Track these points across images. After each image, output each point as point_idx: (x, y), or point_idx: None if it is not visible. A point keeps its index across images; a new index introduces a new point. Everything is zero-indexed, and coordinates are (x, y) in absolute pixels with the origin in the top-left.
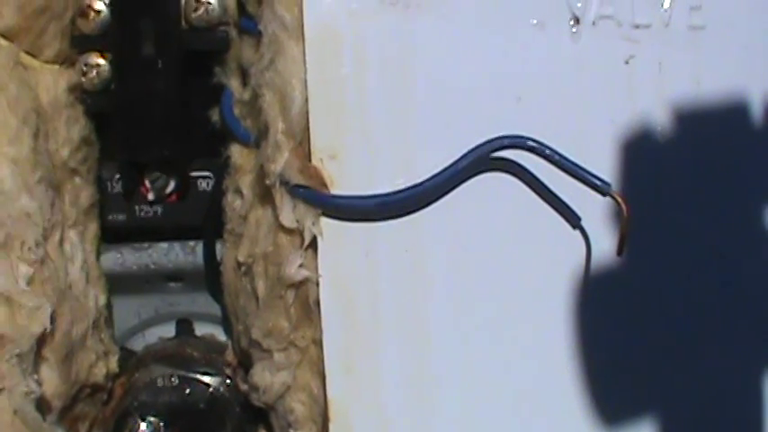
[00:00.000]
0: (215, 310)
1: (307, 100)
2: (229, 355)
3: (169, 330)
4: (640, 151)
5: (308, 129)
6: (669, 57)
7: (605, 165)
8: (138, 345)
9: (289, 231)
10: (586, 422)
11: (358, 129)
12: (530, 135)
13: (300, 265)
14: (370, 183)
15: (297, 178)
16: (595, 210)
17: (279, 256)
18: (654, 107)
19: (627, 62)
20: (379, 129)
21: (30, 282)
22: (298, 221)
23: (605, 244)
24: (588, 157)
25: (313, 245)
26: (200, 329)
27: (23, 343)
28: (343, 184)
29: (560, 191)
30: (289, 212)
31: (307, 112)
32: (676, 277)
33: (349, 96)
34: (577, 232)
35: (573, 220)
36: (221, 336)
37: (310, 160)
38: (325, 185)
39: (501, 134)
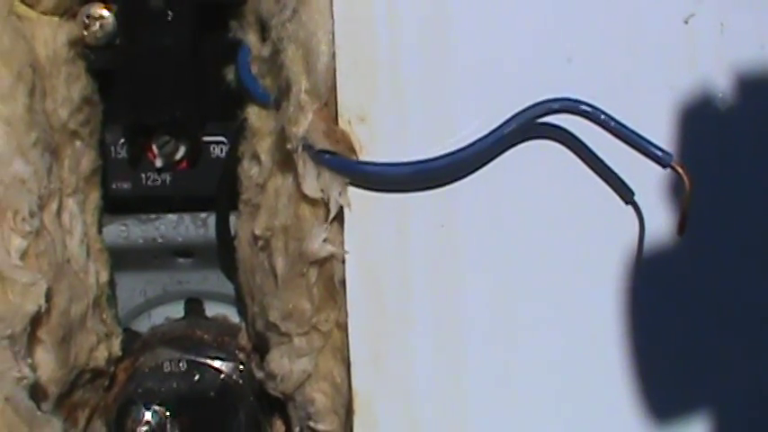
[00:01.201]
0: (228, 288)
1: (334, 55)
2: (243, 339)
3: (177, 311)
4: (700, 121)
5: (335, 88)
6: (732, 17)
7: (661, 135)
8: (143, 326)
9: (312, 202)
10: (633, 412)
11: (390, 88)
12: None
13: (324, 240)
14: (402, 149)
15: (322, 142)
16: (650, 184)
17: (300, 230)
18: (715, 72)
19: (686, 22)
20: (413, 89)
21: (23, 255)
22: (322, 191)
23: (660, 221)
24: (643, 126)
25: (339, 217)
26: (211, 310)
27: (16, 323)
28: (373, 149)
29: (612, 162)
30: (312, 181)
31: (333, 69)
32: (740, 259)
33: (381, 51)
34: (630, 208)
35: (626, 194)
36: (234, 317)
37: (337, 123)
38: (353, 151)
39: (549, 97)
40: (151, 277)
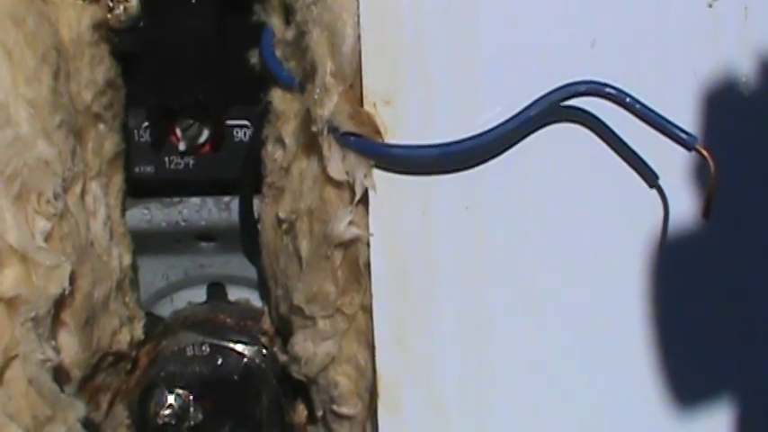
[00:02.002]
0: (250, 272)
1: (359, 38)
2: (266, 323)
3: (200, 295)
4: (724, 104)
5: (360, 70)
6: (756, 1)
7: (685, 118)
8: (165, 310)
9: (337, 184)
10: (658, 401)
11: (416, 71)
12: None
13: (350, 223)
14: (427, 131)
15: (347, 125)
16: (674, 167)
17: (325, 212)
18: (738, 56)
19: (710, 5)
20: (438, 71)
21: (47, 238)
22: (347, 173)
23: (685, 206)
24: (667, 109)
25: (364, 200)
26: (234, 294)
27: (40, 305)
28: (398, 132)
29: (636, 145)
30: (337, 163)
31: (359, 52)
32: (765, 243)
33: (406, 34)
34: (655, 191)
35: (650, 178)
36: (257, 301)
37: (362, 105)
38: (378, 133)
39: (574, 80)
40: (173, 261)
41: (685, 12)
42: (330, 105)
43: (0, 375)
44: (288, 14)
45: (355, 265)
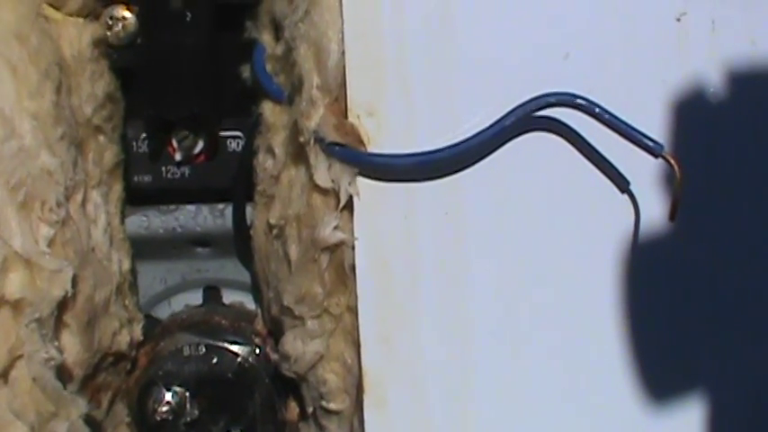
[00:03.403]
0: (244, 276)
1: (343, 53)
2: (259, 324)
3: (196, 298)
4: (692, 113)
5: (345, 84)
6: (723, 15)
7: (655, 127)
8: (163, 313)
9: (323, 191)
10: (632, 396)
11: (397, 84)
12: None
13: (335, 227)
14: (409, 141)
15: (332, 135)
16: (645, 174)
17: (313, 218)
18: (707, 67)
19: (678, 19)
20: (419, 84)
21: (50, 243)
22: (333, 181)
23: (655, 210)
24: (637, 118)
25: (349, 206)
26: (229, 297)
27: (43, 307)
28: (380, 141)
29: (608, 153)
30: (324, 171)
31: (343, 66)
32: (731, 246)
33: (388, 50)
34: (626, 197)
35: (622, 183)
36: (250, 304)
37: (347, 117)
38: (362, 143)
39: (547, 92)
40: (171, 266)
41: (654, 25)
42: (316, 117)
43: (6, 374)
44: (277, 31)
45: (341, 267)
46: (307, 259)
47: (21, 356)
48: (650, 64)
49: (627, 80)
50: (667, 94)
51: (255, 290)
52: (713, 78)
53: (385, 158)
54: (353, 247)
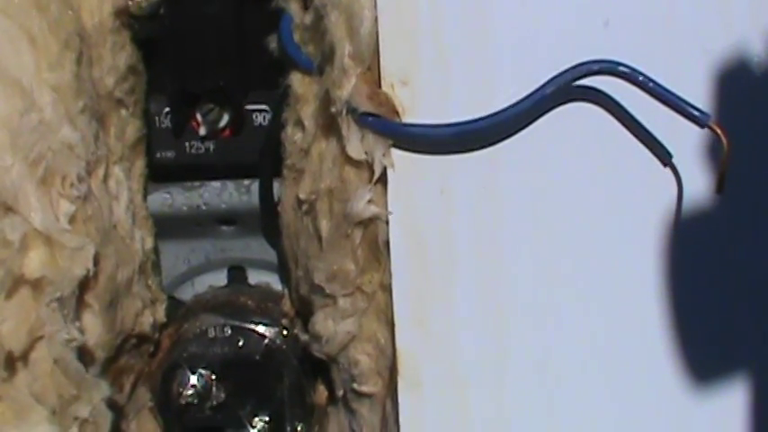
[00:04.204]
0: (270, 256)
1: (376, 20)
2: (286, 305)
3: (221, 279)
4: (735, 83)
5: (378, 52)
6: None
7: (698, 96)
8: (186, 294)
9: (356, 164)
10: (674, 380)
11: (432, 52)
12: None
13: (369, 201)
14: (444, 111)
15: (365, 105)
16: (688, 146)
17: (345, 192)
18: (750, 35)
19: None
20: (455, 52)
21: (71, 220)
22: (366, 153)
23: (699, 183)
24: (679, 87)
25: (383, 179)
26: (254, 278)
27: (65, 286)
28: (415, 111)
29: (650, 124)
30: (356, 143)
31: (376, 33)
32: None
33: (423, 16)
34: (669, 170)
35: (664, 156)
36: (276, 284)
37: (380, 86)
38: (396, 113)
39: (588, 59)
40: (194, 245)
41: None
42: (348, 86)
43: (26, 356)
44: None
45: (375, 243)
46: (339, 235)
47: (41, 337)
48: (692, 31)
49: (668, 48)
50: (710, 62)
51: (282, 269)
52: (757, 47)
53: (421, 129)
54: (387, 222)
